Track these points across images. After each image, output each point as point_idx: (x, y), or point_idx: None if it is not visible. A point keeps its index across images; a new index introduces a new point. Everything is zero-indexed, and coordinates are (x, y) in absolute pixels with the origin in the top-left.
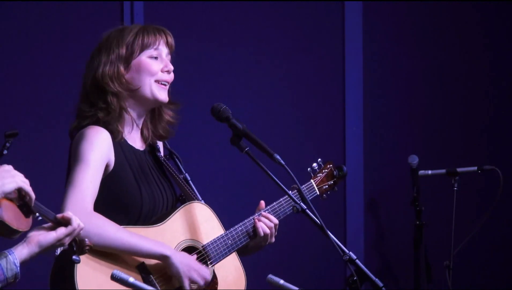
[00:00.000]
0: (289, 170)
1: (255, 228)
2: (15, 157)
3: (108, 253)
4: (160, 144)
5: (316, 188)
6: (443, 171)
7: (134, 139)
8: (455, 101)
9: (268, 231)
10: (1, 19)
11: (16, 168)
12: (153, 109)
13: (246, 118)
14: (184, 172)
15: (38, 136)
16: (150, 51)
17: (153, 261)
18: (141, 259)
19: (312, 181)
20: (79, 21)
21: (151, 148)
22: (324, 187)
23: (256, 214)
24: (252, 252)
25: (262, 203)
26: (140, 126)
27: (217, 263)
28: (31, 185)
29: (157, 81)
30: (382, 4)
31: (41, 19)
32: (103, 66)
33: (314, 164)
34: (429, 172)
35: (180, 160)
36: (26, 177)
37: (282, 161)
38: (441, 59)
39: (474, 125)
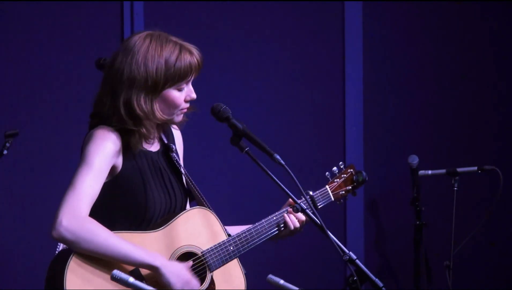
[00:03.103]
0: (289, 170)
1: (285, 222)
2: (15, 157)
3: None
4: (178, 142)
5: (330, 194)
6: (443, 171)
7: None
8: (455, 101)
9: (298, 225)
10: (1, 19)
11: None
12: None
13: (246, 118)
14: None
15: (38, 136)
16: (181, 84)
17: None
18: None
19: (327, 186)
20: (79, 21)
21: (165, 148)
22: (340, 193)
23: (287, 208)
24: (283, 238)
25: (291, 200)
26: None
27: (216, 269)
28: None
29: (180, 110)
30: (382, 4)
31: (41, 19)
32: (138, 91)
33: (334, 168)
34: (429, 172)
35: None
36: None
37: (282, 161)
38: (441, 59)
39: (474, 125)
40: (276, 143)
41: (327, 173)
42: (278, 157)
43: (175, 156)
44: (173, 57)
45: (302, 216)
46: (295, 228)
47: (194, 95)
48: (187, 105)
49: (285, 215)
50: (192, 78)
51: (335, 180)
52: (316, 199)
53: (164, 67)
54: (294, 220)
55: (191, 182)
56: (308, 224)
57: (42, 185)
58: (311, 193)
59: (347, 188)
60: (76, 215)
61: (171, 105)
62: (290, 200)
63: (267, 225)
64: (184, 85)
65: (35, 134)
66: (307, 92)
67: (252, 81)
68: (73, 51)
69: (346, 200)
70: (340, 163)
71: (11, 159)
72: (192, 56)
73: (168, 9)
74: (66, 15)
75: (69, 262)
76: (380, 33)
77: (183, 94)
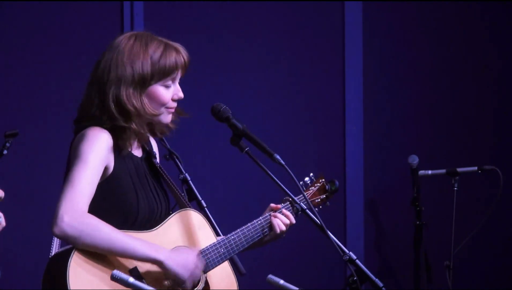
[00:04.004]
0: (289, 170)
1: (271, 225)
2: (15, 157)
3: (101, 256)
4: (155, 150)
5: (308, 201)
6: (443, 171)
7: (132, 145)
8: (455, 101)
9: (284, 228)
10: (1, 19)
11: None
12: None
13: (246, 118)
14: (184, 172)
15: (38, 136)
16: (167, 80)
17: (146, 266)
18: (135, 263)
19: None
20: (79, 21)
21: (148, 155)
22: (316, 201)
23: (271, 212)
24: (266, 244)
25: (273, 205)
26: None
27: (209, 271)
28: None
29: (166, 108)
30: (382, 4)
31: (41, 19)
32: (126, 86)
33: (306, 178)
34: (429, 172)
35: (180, 160)
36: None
37: (282, 161)
38: (441, 59)
39: (474, 125)
40: (276, 144)
41: (300, 182)
42: (278, 157)
43: (158, 162)
44: (158, 53)
45: (285, 220)
46: (281, 231)
47: (181, 94)
48: (174, 104)
49: (272, 217)
50: (179, 76)
51: (310, 188)
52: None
53: (150, 63)
54: (280, 223)
55: (174, 187)
56: (308, 224)
57: (42, 185)
58: (290, 199)
59: (322, 196)
60: (77, 210)
61: (158, 102)
62: (272, 205)
63: (252, 228)
64: (171, 83)
65: (35, 134)
66: (307, 92)
67: (252, 81)
68: (73, 51)
69: (321, 209)
70: (311, 173)
71: (11, 159)
72: (178, 53)
73: (168, 9)
74: (66, 15)
75: (71, 259)
76: (380, 33)
77: (169, 92)
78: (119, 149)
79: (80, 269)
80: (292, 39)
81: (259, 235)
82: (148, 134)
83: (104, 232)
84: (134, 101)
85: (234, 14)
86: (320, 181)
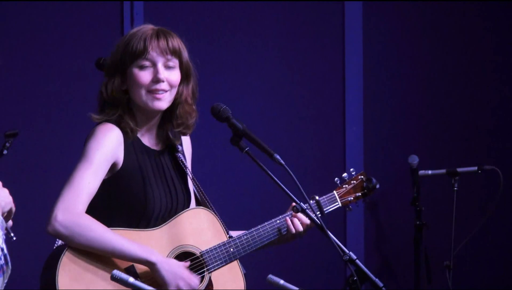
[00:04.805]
0: (289, 170)
1: (287, 227)
2: (15, 157)
3: (93, 254)
4: (186, 147)
5: (338, 200)
6: (443, 171)
7: (149, 139)
8: (456, 101)
9: (301, 228)
10: (1, 19)
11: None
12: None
13: (246, 118)
14: None
15: (38, 136)
16: (140, 61)
17: (142, 266)
18: (130, 262)
19: (335, 192)
20: (79, 21)
21: (170, 148)
22: (349, 199)
23: (291, 212)
24: (286, 243)
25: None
26: (155, 127)
27: (214, 270)
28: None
29: (149, 91)
30: (382, 4)
31: (41, 19)
32: (105, 76)
33: (345, 174)
34: (429, 172)
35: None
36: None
37: (282, 161)
38: (441, 59)
39: (474, 125)
40: (276, 144)
41: (336, 178)
42: (278, 156)
43: (181, 156)
44: (131, 37)
45: (305, 220)
46: (298, 232)
47: (160, 76)
48: (156, 86)
49: (287, 218)
50: (159, 59)
51: (343, 186)
52: (322, 204)
53: (122, 47)
54: (297, 223)
55: (196, 184)
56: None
57: (42, 184)
58: (317, 197)
59: (357, 194)
60: (71, 210)
61: (137, 84)
62: (294, 203)
63: (269, 228)
64: (147, 64)
65: (35, 134)
66: (307, 93)
67: (252, 81)
68: (73, 51)
69: (357, 206)
70: (352, 169)
71: (11, 159)
72: (152, 36)
73: (168, 9)
74: (66, 15)
75: (62, 257)
76: (380, 33)
77: (147, 74)
78: (130, 143)
79: (70, 266)
80: (292, 39)
81: (275, 235)
82: (178, 131)
83: (97, 233)
84: (109, 88)
85: (234, 14)
86: (359, 177)
